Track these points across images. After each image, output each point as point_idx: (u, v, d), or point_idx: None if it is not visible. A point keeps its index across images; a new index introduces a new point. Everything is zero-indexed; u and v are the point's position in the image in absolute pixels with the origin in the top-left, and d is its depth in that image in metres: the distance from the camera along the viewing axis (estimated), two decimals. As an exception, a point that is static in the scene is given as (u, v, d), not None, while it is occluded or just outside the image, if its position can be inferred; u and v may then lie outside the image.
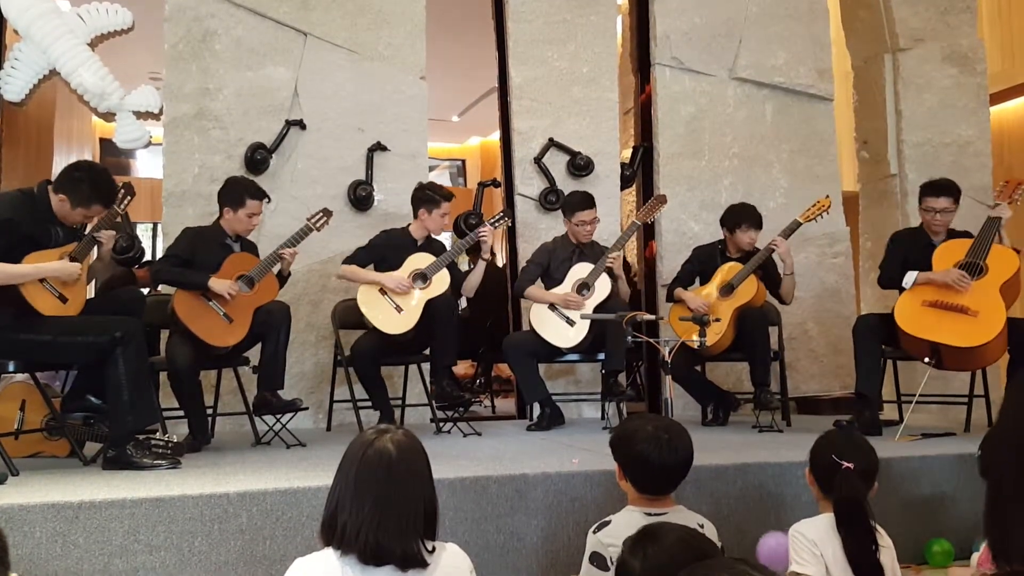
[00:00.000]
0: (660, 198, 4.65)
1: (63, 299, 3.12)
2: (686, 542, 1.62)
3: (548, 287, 4.46)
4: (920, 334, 3.77)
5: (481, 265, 4.37)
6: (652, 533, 1.66)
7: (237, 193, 3.89)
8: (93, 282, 5.31)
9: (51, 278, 3.09)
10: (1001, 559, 1.44)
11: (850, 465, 2.22)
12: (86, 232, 3.32)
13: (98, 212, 3.25)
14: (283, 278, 4.02)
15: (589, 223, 4.44)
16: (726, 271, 4.40)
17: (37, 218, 3.15)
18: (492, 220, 4.43)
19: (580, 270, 4.38)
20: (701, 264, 4.59)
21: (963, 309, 3.73)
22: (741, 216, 4.46)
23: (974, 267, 3.83)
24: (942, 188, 4.10)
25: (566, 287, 4.35)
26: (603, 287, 4.30)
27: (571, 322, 4.26)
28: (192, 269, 3.76)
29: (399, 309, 4.11)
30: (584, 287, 4.32)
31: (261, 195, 3.95)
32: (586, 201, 4.47)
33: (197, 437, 3.69)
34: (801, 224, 4.40)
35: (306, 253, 4.09)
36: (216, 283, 3.67)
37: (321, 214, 4.12)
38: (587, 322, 4.17)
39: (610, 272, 4.31)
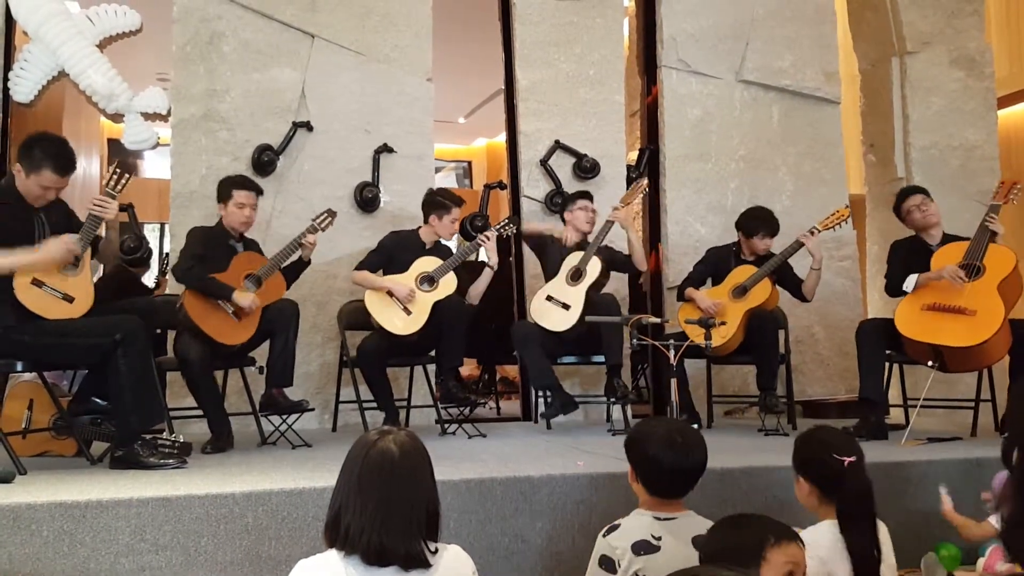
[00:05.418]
0: (639, 185, 4.76)
1: (68, 299, 3.11)
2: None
3: (547, 279, 4.57)
4: (920, 338, 3.78)
5: (487, 273, 4.39)
6: (757, 515, 1.82)
7: (224, 187, 3.97)
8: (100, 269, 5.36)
9: (48, 281, 3.06)
10: (1020, 562, 1.44)
11: (852, 458, 2.19)
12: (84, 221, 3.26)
13: (50, 180, 3.08)
14: (303, 265, 4.09)
15: (580, 208, 4.64)
16: (739, 274, 4.39)
17: (15, 209, 3.13)
18: (497, 226, 4.46)
19: (572, 259, 4.49)
20: (714, 266, 4.58)
21: (961, 310, 3.74)
22: (758, 224, 4.49)
23: (971, 268, 3.84)
24: (910, 189, 4.39)
25: (561, 277, 4.44)
26: (594, 267, 4.40)
27: (566, 306, 4.32)
28: (206, 264, 3.77)
29: (407, 311, 4.13)
30: (578, 274, 4.40)
31: (250, 186, 3.97)
32: (580, 192, 4.74)
33: (221, 437, 3.67)
34: (820, 232, 4.37)
35: (312, 255, 4.13)
36: (240, 297, 3.68)
37: (326, 215, 4.15)
38: (581, 303, 4.28)
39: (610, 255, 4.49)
